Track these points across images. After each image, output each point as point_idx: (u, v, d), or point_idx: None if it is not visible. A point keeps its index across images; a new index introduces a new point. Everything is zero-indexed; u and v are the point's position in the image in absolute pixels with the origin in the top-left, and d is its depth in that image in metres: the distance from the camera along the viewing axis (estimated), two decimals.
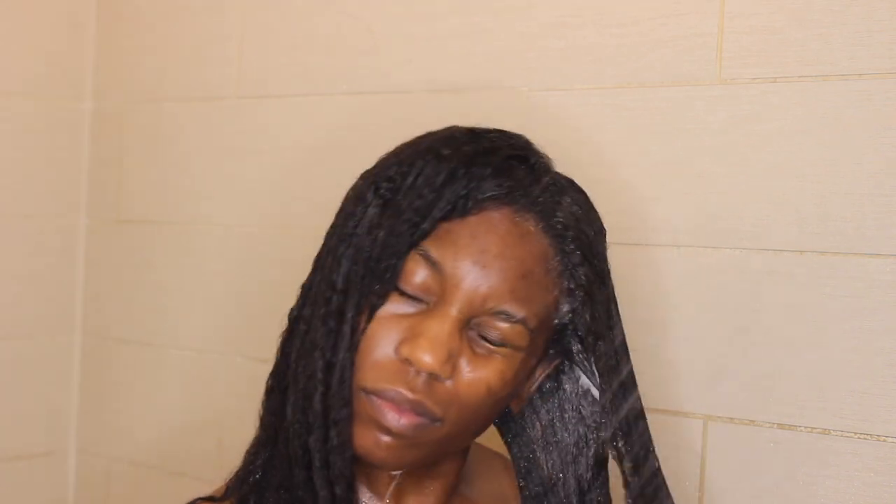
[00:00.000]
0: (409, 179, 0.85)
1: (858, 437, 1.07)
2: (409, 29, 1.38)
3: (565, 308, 0.87)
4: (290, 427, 0.85)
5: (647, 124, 1.19)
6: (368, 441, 0.82)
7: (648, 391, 1.18)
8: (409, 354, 0.81)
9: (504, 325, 0.83)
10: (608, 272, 0.90)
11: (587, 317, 0.87)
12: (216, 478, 0.94)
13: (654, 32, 1.19)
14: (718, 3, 1.15)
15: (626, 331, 0.91)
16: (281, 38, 1.50)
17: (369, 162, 1.41)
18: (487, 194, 0.84)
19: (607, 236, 0.91)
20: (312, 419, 0.83)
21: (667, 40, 1.18)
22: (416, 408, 0.81)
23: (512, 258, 0.83)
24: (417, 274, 0.83)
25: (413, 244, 0.83)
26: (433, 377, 0.81)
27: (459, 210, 0.83)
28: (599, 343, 0.88)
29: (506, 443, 0.95)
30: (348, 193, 0.92)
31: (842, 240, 1.08)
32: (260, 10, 1.52)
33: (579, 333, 0.89)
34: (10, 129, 1.61)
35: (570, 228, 0.86)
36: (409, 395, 0.81)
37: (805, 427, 1.09)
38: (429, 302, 0.83)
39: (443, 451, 0.87)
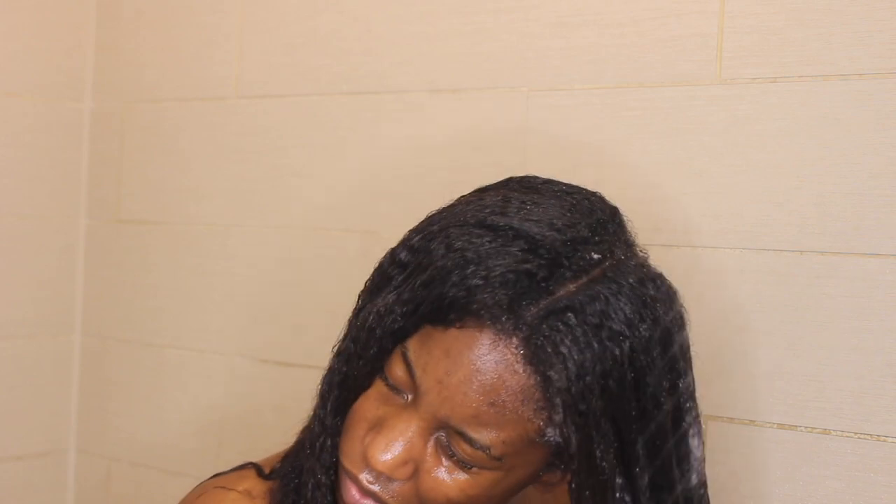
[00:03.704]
0: (411, 268, 0.82)
1: (858, 437, 1.07)
2: (409, 29, 1.38)
3: (553, 436, 0.79)
4: (305, 461, 0.88)
5: (647, 124, 1.19)
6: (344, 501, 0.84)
7: None
8: (366, 448, 0.81)
9: (466, 447, 0.79)
10: (626, 410, 0.78)
11: (577, 463, 0.79)
12: None
13: (654, 32, 1.19)
14: (718, 3, 1.15)
15: None
16: (281, 38, 1.50)
17: (368, 162, 1.42)
18: (472, 309, 0.77)
19: None
20: (309, 468, 0.86)
21: (667, 40, 1.18)
22: (372, 496, 0.82)
23: (480, 386, 0.77)
24: (397, 368, 0.82)
25: (397, 339, 0.81)
26: (387, 476, 0.81)
27: (442, 318, 0.78)
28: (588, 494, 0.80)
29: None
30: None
31: (842, 240, 1.08)
32: (260, 10, 1.52)
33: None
34: (10, 129, 1.61)
35: (558, 363, 0.76)
36: (366, 484, 0.82)
37: (805, 427, 1.09)
38: (407, 396, 0.82)
39: None
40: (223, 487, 0.90)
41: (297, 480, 0.88)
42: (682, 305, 0.85)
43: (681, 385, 0.83)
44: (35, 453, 1.67)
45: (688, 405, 0.84)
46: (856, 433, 1.07)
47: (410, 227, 0.86)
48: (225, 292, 1.55)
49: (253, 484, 0.90)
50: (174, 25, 1.61)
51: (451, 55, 1.34)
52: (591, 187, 0.91)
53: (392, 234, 0.88)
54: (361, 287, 0.89)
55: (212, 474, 0.95)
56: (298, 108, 1.48)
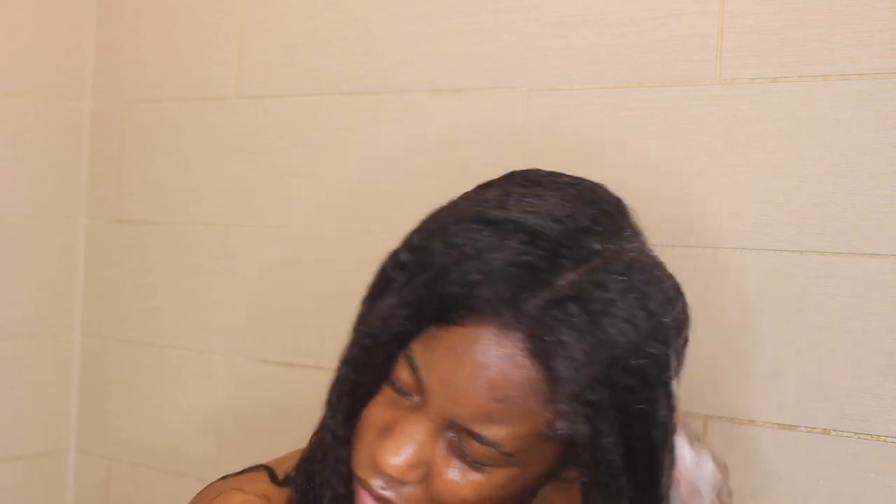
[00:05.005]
0: (411, 268, 0.80)
1: (858, 437, 1.07)
2: (409, 29, 1.38)
3: (564, 429, 0.77)
4: (318, 473, 0.87)
5: (647, 124, 1.19)
6: None
7: None
8: (375, 452, 0.80)
9: (477, 445, 0.78)
10: (631, 401, 0.77)
11: (587, 457, 0.78)
12: (216, 478, 0.94)
13: (654, 32, 1.19)
14: (718, 3, 1.15)
15: None
16: (281, 38, 1.50)
17: (368, 162, 1.42)
18: (474, 305, 0.76)
19: None
20: (326, 480, 0.85)
21: (667, 40, 1.18)
22: (385, 502, 0.81)
23: (486, 382, 0.76)
24: (403, 372, 0.80)
25: (402, 343, 0.80)
26: (398, 480, 0.80)
27: (444, 317, 0.77)
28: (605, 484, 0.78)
29: None
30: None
31: (842, 240, 1.08)
32: (260, 10, 1.52)
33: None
34: (10, 129, 1.61)
35: (562, 353, 0.75)
36: (378, 490, 0.81)
37: (805, 427, 1.09)
38: (415, 398, 0.81)
39: None
40: (241, 490, 0.89)
41: (313, 491, 0.87)
42: (683, 296, 0.84)
43: (673, 382, 0.81)
44: (35, 453, 1.67)
45: (674, 403, 0.82)
46: (856, 433, 1.07)
47: (409, 227, 0.85)
48: (225, 292, 1.55)
49: (267, 489, 0.89)
50: (174, 25, 1.61)
51: (451, 55, 1.34)
52: None
53: (392, 234, 0.88)
54: (361, 287, 0.89)
55: (214, 475, 0.95)
56: (298, 108, 1.48)
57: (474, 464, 0.79)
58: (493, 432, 0.77)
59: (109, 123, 1.68)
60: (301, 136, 1.48)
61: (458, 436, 0.79)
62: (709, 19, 1.15)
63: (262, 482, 0.90)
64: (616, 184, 1.20)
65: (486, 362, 0.76)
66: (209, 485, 0.92)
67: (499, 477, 0.80)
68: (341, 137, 1.44)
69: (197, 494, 0.92)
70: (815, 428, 1.09)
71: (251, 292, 1.53)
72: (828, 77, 1.09)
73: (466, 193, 0.86)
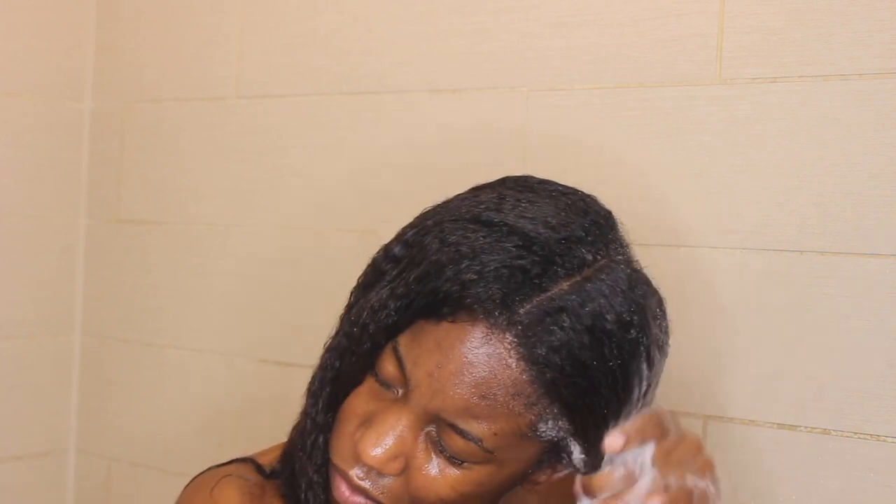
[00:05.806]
0: (404, 263, 0.82)
1: (858, 437, 1.07)
2: (409, 29, 1.38)
3: (550, 430, 0.80)
4: (297, 461, 0.88)
5: (647, 124, 1.19)
6: (336, 500, 0.85)
7: None
8: (357, 442, 0.81)
9: (458, 440, 0.79)
10: (612, 411, 0.79)
11: (579, 453, 0.81)
12: None
13: (654, 32, 1.19)
14: (718, 3, 1.15)
15: None
16: (281, 38, 1.50)
17: (368, 162, 1.42)
18: (466, 303, 0.77)
19: None
20: (301, 467, 0.87)
21: (667, 40, 1.18)
22: (362, 492, 0.82)
23: (471, 378, 0.77)
24: (388, 364, 0.81)
25: (390, 335, 0.81)
26: (377, 472, 0.81)
27: (435, 312, 0.78)
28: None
29: None
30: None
31: (842, 240, 1.08)
32: (260, 10, 1.52)
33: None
34: (10, 129, 1.61)
35: (552, 360, 0.77)
36: (356, 480, 0.82)
37: (805, 427, 1.09)
38: (398, 391, 0.82)
39: None
40: (241, 476, 0.90)
41: (296, 483, 0.88)
42: (666, 312, 0.85)
43: (650, 394, 0.82)
44: (35, 453, 1.67)
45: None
46: (856, 433, 1.07)
47: None
48: (225, 292, 1.55)
49: (258, 479, 0.91)
50: (174, 25, 1.61)
51: (451, 55, 1.34)
52: (591, 188, 0.91)
53: (391, 233, 0.88)
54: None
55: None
56: (298, 108, 1.48)
57: (453, 459, 0.80)
58: (476, 428, 0.78)
59: (109, 123, 1.68)
60: (301, 136, 1.48)
61: (439, 430, 0.80)
62: (709, 19, 1.15)
63: (251, 473, 0.91)
64: (616, 184, 1.21)
65: (473, 360, 0.77)
66: (196, 477, 0.93)
67: (476, 474, 0.81)
68: (341, 137, 1.44)
69: (186, 487, 0.92)
70: (815, 428, 1.09)
71: (251, 292, 1.53)
72: (828, 77, 1.09)
73: (461, 194, 0.87)
